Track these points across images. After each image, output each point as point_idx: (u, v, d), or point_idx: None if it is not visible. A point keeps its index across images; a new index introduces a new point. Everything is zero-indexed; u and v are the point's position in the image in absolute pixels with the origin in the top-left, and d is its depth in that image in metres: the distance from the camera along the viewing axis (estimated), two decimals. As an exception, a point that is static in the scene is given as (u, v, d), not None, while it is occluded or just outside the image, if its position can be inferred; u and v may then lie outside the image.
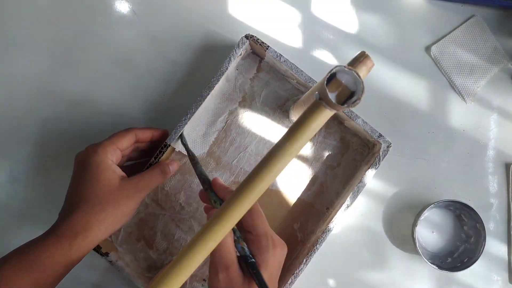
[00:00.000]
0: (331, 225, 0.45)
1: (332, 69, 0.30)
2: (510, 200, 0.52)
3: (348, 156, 0.49)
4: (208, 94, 0.44)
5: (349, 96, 0.31)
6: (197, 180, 0.48)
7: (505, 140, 0.52)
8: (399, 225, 0.51)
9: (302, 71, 0.45)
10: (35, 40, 0.50)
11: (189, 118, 0.44)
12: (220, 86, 0.46)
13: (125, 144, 0.41)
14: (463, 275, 0.51)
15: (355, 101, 0.30)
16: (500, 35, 0.53)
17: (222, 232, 0.32)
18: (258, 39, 0.45)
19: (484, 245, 0.48)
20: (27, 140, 0.50)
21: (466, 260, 0.49)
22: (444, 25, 0.53)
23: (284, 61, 0.45)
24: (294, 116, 0.47)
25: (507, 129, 0.52)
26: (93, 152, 0.39)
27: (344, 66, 0.31)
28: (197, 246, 0.32)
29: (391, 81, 0.52)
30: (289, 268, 0.46)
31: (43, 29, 0.50)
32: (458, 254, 0.50)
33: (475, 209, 0.48)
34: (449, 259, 0.50)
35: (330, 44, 0.52)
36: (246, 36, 0.45)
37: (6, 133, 0.50)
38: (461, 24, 0.53)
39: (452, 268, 0.49)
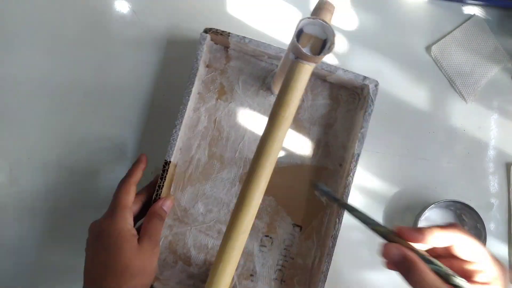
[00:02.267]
0: (349, 178, 0.45)
1: (297, 25, 0.31)
2: (511, 200, 0.52)
3: (342, 109, 0.49)
4: (188, 99, 0.44)
5: (322, 45, 0.31)
6: (209, 184, 0.48)
7: (506, 140, 0.52)
8: (399, 225, 0.51)
9: (269, 45, 0.44)
10: (35, 41, 0.50)
11: (179, 129, 0.44)
12: (196, 87, 0.46)
13: (132, 198, 0.41)
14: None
15: (330, 46, 0.30)
16: (500, 35, 0.53)
17: (250, 214, 0.32)
18: (217, 30, 0.44)
19: (485, 245, 0.48)
20: (27, 140, 0.50)
21: (466, 260, 0.49)
22: (444, 25, 0.53)
23: (249, 41, 0.44)
24: (277, 88, 0.46)
25: (507, 129, 0.52)
26: (112, 222, 0.38)
27: (308, 18, 0.31)
28: (231, 236, 0.32)
29: (391, 80, 0.52)
30: (326, 232, 0.46)
31: (43, 30, 0.50)
32: (459, 254, 0.50)
33: (475, 209, 0.48)
34: (450, 259, 0.50)
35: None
36: (205, 30, 0.45)
37: (6, 133, 0.50)
38: (461, 24, 0.53)
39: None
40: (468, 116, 0.52)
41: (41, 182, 0.50)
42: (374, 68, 0.52)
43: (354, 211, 0.35)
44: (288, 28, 0.51)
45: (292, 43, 0.31)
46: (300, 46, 0.30)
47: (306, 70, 0.32)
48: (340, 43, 0.52)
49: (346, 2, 0.52)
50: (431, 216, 0.52)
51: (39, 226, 0.49)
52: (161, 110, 0.50)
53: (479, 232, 0.49)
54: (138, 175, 0.43)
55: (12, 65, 0.50)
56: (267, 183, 0.32)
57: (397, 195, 0.51)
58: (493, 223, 0.52)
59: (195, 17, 0.51)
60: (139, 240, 0.39)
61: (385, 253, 0.32)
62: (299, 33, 0.31)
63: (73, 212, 0.49)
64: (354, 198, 0.51)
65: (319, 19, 0.30)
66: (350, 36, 0.52)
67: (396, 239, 0.32)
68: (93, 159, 0.50)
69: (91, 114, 0.50)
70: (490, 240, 0.49)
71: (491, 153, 0.52)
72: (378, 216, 0.51)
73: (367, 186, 0.51)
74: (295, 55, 0.31)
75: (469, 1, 0.52)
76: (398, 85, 0.52)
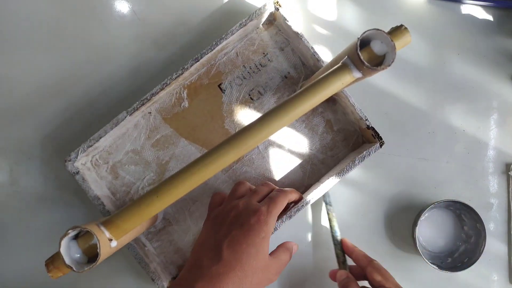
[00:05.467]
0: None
1: (365, 33, 0.31)
2: (510, 200, 0.52)
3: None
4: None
5: (375, 63, 0.31)
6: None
7: (505, 140, 0.52)
8: (399, 225, 0.51)
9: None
10: (34, 41, 0.50)
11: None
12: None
13: (281, 210, 0.40)
14: (463, 275, 0.51)
15: (383, 68, 0.30)
16: (500, 35, 0.53)
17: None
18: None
19: (484, 245, 0.48)
20: (28, 140, 0.50)
21: (466, 260, 0.49)
22: (444, 25, 0.53)
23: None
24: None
25: (507, 129, 0.52)
26: (265, 222, 0.37)
27: (378, 30, 0.31)
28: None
29: (391, 80, 0.52)
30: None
31: (42, 30, 0.50)
32: (458, 254, 0.50)
33: (475, 209, 0.48)
34: (449, 259, 0.50)
35: (328, 42, 0.52)
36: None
37: (6, 133, 0.50)
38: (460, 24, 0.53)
39: (452, 268, 0.49)
40: (468, 116, 0.52)
41: (41, 182, 0.50)
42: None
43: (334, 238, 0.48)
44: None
45: (352, 47, 0.31)
46: (360, 53, 0.30)
47: (347, 78, 0.32)
48: (340, 43, 0.52)
49: (345, 2, 0.52)
50: (431, 216, 0.52)
51: (39, 226, 0.49)
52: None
53: (478, 232, 0.49)
54: (294, 196, 0.43)
55: (12, 65, 0.50)
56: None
57: (397, 195, 0.51)
58: (492, 223, 0.52)
59: (195, 17, 0.51)
60: (272, 258, 0.38)
61: (332, 276, 0.47)
62: (364, 42, 0.31)
63: (74, 212, 0.49)
64: (354, 198, 0.51)
65: (392, 40, 0.31)
66: (350, 36, 0.52)
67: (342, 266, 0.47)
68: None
69: (91, 115, 0.50)
70: (489, 240, 0.49)
71: (491, 153, 0.52)
72: (378, 216, 0.51)
73: (367, 186, 0.51)
74: (351, 60, 0.31)
75: (469, 1, 0.52)
76: (397, 85, 0.52)
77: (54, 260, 0.33)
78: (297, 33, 0.46)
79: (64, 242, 0.32)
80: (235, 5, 0.51)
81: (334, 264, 0.48)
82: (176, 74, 0.45)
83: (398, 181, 0.51)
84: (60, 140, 0.50)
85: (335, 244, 0.48)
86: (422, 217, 0.50)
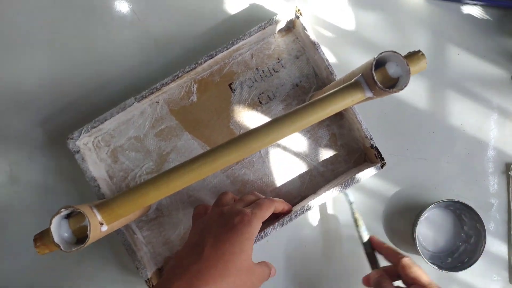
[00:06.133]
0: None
1: (381, 54, 0.31)
2: (510, 200, 0.52)
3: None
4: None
5: (388, 85, 0.31)
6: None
7: (505, 140, 0.52)
8: (399, 225, 0.51)
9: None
10: (34, 40, 0.50)
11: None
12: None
13: (267, 216, 0.39)
14: (463, 275, 0.51)
15: (395, 91, 0.31)
16: (500, 35, 0.53)
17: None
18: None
19: (484, 245, 0.48)
20: (27, 140, 0.50)
21: (466, 260, 0.49)
22: (444, 25, 0.53)
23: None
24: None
25: (507, 129, 0.52)
26: (248, 222, 0.35)
27: (395, 52, 0.31)
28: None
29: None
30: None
31: (42, 30, 0.50)
32: (458, 254, 0.50)
33: (475, 209, 0.48)
34: (449, 259, 0.50)
35: (329, 43, 0.52)
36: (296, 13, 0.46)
37: (6, 133, 0.50)
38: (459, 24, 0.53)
39: (452, 268, 0.49)
40: (468, 116, 0.52)
41: (41, 182, 0.50)
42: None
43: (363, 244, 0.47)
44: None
45: (367, 66, 0.31)
46: (375, 73, 0.30)
47: (358, 96, 0.32)
48: (339, 43, 0.52)
49: (345, 2, 0.52)
50: (430, 216, 0.52)
51: (39, 226, 0.49)
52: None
53: (478, 232, 0.49)
54: (281, 206, 0.42)
55: (12, 65, 0.50)
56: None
57: (397, 195, 0.51)
58: (492, 223, 0.52)
59: (196, 17, 0.51)
60: (256, 264, 0.37)
61: (366, 282, 0.45)
62: (379, 63, 0.31)
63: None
64: (354, 198, 0.51)
65: (406, 61, 0.31)
66: (349, 35, 0.52)
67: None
68: (93, 159, 0.50)
69: (91, 115, 0.50)
70: (489, 240, 0.49)
71: (491, 153, 0.52)
72: (378, 216, 0.51)
73: (367, 186, 0.51)
74: (365, 79, 0.31)
75: (469, 1, 0.52)
76: (398, 85, 0.52)
77: (43, 236, 0.33)
78: (315, 43, 0.45)
79: (55, 220, 0.31)
80: (242, 9, 0.51)
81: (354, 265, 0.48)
82: (189, 67, 0.45)
83: (398, 181, 0.51)
84: (61, 139, 0.50)
85: (363, 244, 0.47)
86: (422, 217, 0.50)
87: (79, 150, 0.44)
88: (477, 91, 0.52)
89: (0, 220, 0.49)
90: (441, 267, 0.48)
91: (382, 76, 0.32)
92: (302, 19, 0.45)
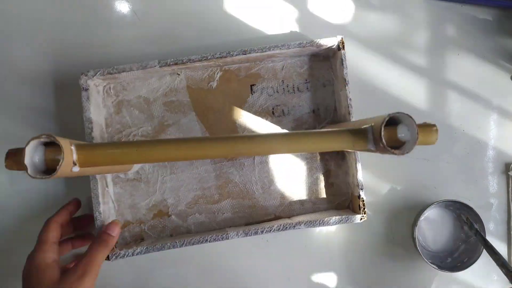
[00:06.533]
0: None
1: (395, 114, 0.31)
2: (510, 200, 0.52)
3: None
4: None
5: (392, 145, 0.31)
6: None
7: (505, 140, 0.52)
8: (399, 225, 0.51)
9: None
10: (34, 40, 0.50)
11: None
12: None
13: (56, 235, 0.41)
14: (463, 275, 0.51)
15: (398, 153, 0.31)
16: (500, 35, 0.53)
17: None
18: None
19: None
20: (27, 139, 0.50)
21: (466, 260, 0.49)
22: (444, 25, 0.53)
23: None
24: None
25: (507, 129, 0.52)
26: (31, 258, 0.39)
27: (408, 116, 0.31)
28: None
29: (391, 80, 0.52)
30: None
31: (42, 29, 0.50)
32: (458, 254, 0.50)
33: (475, 209, 0.48)
34: (449, 259, 0.50)
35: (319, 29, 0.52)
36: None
37: (6, 133, 0.50)
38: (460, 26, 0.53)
39: (452, 268, 0.49)
40: (468, 116, 0.52)
41: (41, 182, 0.50)
42: (373, 67, 0.52)
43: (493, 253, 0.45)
44: (285, 26, 0.51)
45: (379, 120, 0.31)
46: (383, 130, 0.30)
47: (360, 144, 0.33)
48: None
49: (345, 1, 0.52)
50: (430, 216, 0.52)
51: (39, 226, 0.49)
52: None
53: (478, 232, 0.49)
54: (63, 216, 0.43)
55: (12, 65, 0.50)
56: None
57: (397, 195, 0.51)
58: (492, 223, 0.52)
59: (195, 17, 0.51)
60: (67, 272, 0.38)
61: None
62: (391, 121, 0.31)
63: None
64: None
65: (417, 129, 0.31)
66: (349, 36, 0.52)
67: None
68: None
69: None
70: (489, 240, 0.49)
71: (491, 153, 0.52)
72: (378, 216, 0.51)
73: (367, 186, 0.51)
74: (372, 131, 0.32)
75: (469, 1, 0.52)
76: (397, 85, 0.52)
77: (16, 154, 0.32)
78: (345, 80, 0.45)
79: (32, 143, 0.31)
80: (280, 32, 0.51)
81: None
82: (220, 54, 0.45)
83: (398, 181, 0.51)
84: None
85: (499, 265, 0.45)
86: (422, 217, 0.50)
87: (87, 88, 0.44)
88: (477, 91, 0.52)
89: (0, 220, 0.49)
90: (441, 267, 0.48)
91: (389, 134, 0.31)
92: (343, 52, 0.45)
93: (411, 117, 0.31)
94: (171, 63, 0.45)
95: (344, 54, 0.45)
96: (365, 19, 0.52)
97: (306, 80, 0.49)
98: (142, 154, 0.34)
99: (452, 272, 0.48)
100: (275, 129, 0.49)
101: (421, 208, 0.50)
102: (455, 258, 0.50)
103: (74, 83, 0.46)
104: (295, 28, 0.51)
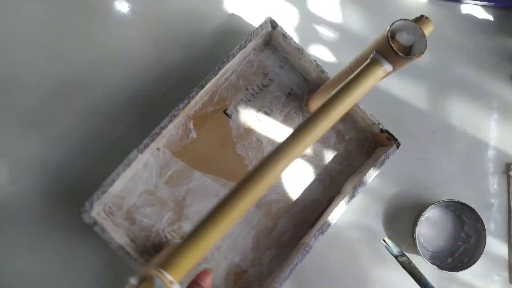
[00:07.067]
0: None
1: (392, 24, 0.30)
2: (511, 200, 0.52)
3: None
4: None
5: (406, 52, 0.30)
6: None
7: (505, 140, 0.52)
8: (399, 225, 0.51)
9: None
10: (34, 40, 0.50)
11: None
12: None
13: None
14: (463, 275, 0.51)
15: (418, 55, 0.30)
16: (500, 35, 0.53)
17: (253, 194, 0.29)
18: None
19: (485, 245, 0.48)
20: (27, 139, 0.50)
21: (466, 260, 0.49)
22: (444, 25, 0.53)
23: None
24: (314, 105, 0.46)
25: (507, 129, 0.52)
26: None
27: (405, 20, 0.30)
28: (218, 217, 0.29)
29: (391, 80, 0.52)
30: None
31: (41, 29, 0.50)
32: (459, 254, 0.50)
33: (475, 209, 0.48)
34: (450, 259, 0.50)
35: (328, 42, 0.52)
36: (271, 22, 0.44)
37: (6, 133, 0.50)
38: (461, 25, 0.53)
39: (452, 268, 0.49)
40: (468, 116, 0.52)
41: (41, 182, 0.50)
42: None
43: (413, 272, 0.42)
44: (284, 25, 0.51)
45: (381, 41, 0.30)
46: (392, 43, 0.29)
47: (379, 73, 0.31)
48: (338, 43, 0.52)
49: (344, 1, 0.52)
50: (430, 216, 0.52)
51: (39, 227, 0.49)
52: (160, 110, 0.50)
53: (478, 232, 0.49)
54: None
55: (12, 65, 0.50)
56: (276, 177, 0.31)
57: (397, 195, 0.51)
58: (492, 223, 0.52)
59: (196, 17, 0.51)
60: None
61: None
62: (392, 34, 0.30)
63: (73, 212, 0.49)
64: (354, 198, 0.51)
65: (417, 24, 0.30)
66: (349, 36, 0.52)
67: None
68: (94, 160, 0.50)
69: (91, 115, 0.50)
70: (489, 240, 0.49)
71: (491, 153, 0.52)
72: (378, 216, 0.51)
73: (367, 186, 0.51)
74: (381, 54, 0.30)
75: (469, 1, 0.52)
76: (397, 85, 0.52)
77: None
78: (298, 48, 0.45)
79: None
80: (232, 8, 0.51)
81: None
82: (182, 104, 0.43)
83: (398, 181, 0.51)
84: (61, 140, 0.50)
85: None
86: (422, 217, 0.50)
87: (96, 222, 0.41)
88: (477, 91, 0.52)
89: (0, 220, 0.49)
90: (441, 267, 0.48)
91: (396, 46, 0.31)
92: (279, 29, 0.45)
93: (407, 19, 0.30)
94: (148, 143, 0.42)
95: (282, 28, 0.45)
96: (364, 19, 0.52)
97: (264, 73, 0.49)
98: (219, 225, 0.30)
99: (452, 272, 0.48)
100: (274, 129, 0.49)
101: (422, 208, 0.50)
102: (456, 258, 0.50)
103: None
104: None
